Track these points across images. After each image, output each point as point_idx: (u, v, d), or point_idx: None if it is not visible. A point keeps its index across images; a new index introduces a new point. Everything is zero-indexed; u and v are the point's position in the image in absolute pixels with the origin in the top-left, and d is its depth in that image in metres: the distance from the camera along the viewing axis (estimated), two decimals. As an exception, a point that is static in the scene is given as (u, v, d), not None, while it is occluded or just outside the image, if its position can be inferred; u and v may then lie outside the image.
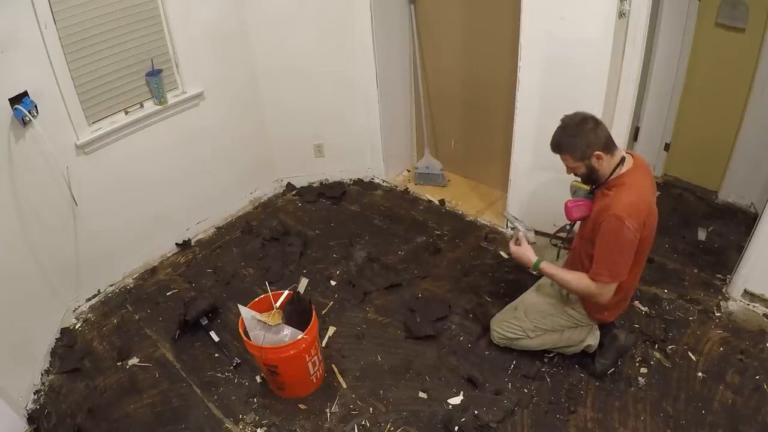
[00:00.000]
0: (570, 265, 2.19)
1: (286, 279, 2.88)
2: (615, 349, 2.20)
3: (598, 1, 2.22)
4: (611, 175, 1.93)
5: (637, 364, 2.28)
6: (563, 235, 2.36)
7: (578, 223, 2.18)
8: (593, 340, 2.21)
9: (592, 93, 2.36)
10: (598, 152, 1.86)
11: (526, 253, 2.12)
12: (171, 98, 2.86)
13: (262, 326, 2.07)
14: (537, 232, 2.30)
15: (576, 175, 2.00)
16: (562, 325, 2.19)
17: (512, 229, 2.31)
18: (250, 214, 3.49)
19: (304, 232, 3.21)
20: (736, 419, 2.04)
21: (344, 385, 2.31)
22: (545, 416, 2.11)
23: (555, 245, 2.39)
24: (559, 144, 1.93)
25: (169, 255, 3.17)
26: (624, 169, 1.92)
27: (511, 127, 2.78)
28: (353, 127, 3.48)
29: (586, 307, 2.14)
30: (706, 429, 2.02)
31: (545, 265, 2.07)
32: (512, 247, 2.17)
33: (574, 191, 2.20)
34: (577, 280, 2.00)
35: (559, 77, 2.46)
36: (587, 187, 2.09)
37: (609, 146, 1.89)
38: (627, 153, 1.97)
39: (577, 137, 1.87)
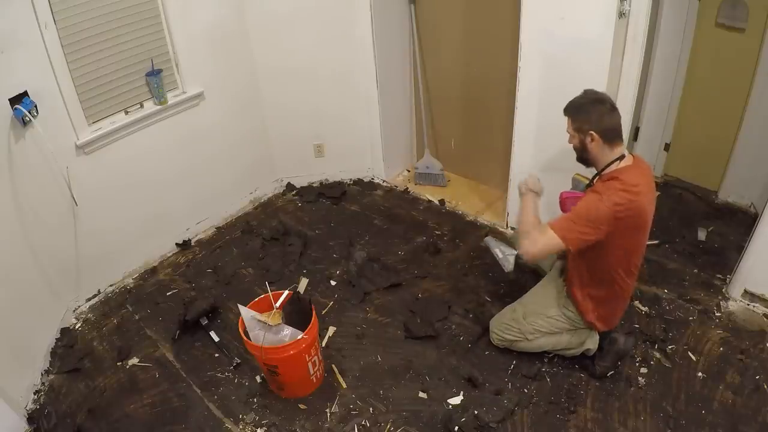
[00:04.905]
0: (570, 264, 2.19)
1: (286, 279, 2.88)
2: (614, 352, 2.20)
3: (598, 1, 2.22)
4: (607, 167, 1.94)
5: (637, 364, 2.28)
6: None
7: None
8: (592, 343, 2.21)
9: (592, 93, 2.36)
10: (592, 132, 1.89)
11: (536, 185, 2.13)
12: (171, 98, 2.86)
13: (262, 326, 2.07)
14: (519, 257, 2.32)
15: (574, 148, 2.01)
16: (560, 328, 2.19)
17: (490, 248, 2.36)
18: (250, 214, 3.49)
19: (304, 232, 3.21)
20: (736, 419, 2.04)
21: (344, 385, 2.31)
22: (545, 416, 2.11)
23: None
24: (568, 105, 1.97)
25: (169, 255, 3.17)
26: (621, 164, 1.93)
27: (511, 127, 2.79)
28: (353, 127, 3.48)
29: (578, 308, 2.13)
30: (706, 429, 2.02)
31: (526, 199, 2.10)
32: (522, 187, 2.16)
33: (575, 184, 2.22)
34: (531, 218, 2.02)
35: (559, 77, 2.46)
36: (587, 180, 2.12)
37: (609, 135, 1.90)
38: (632, 155, 1.97)
39: (584, 108, 1.91)
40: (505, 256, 2.28)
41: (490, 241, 2.44)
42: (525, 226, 2.01)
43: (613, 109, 1.91)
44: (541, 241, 1.90)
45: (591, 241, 1.86)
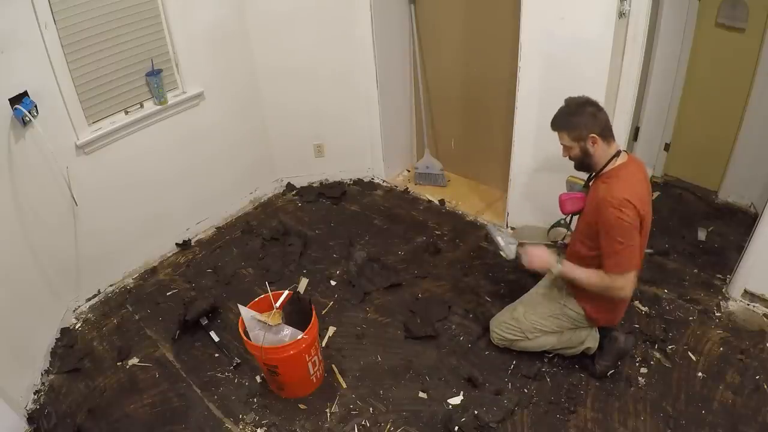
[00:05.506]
0: (570, 262, 2.19)
1: (286, 279, 2.88)
2: (614, 351, 2.20)
3: (598, 1, 2.22)
4: (605, 166, 1.94)
5: (637, 364, 2.28)
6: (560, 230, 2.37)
7: (574, 220, 2.19)
8: (593, 342, 2.21)
9: (592, 93, 2.33)
10: (593, 135, 1.89)
11: (544, 256, 2.07)
12: (171, 98, 2.86)
13: (262, 326, 2.07)
14: (521, 244, 2.31)
15: (570, 158, 2.01)
16: (561, 326, 2.19)
17: (491, 235, 2.35)
18: (250, 214, 3.49)
19: (304, 232, 3.21)
20: (736, 419, 2.04)
21: (344, 385, 2.31)
22: (545, 416, 2.11)
23: (553, 242, 2.40)
24: (557, 120, 1.96)
25: (169, 255, 3.17)
26: (618, 162, 1.94)
27: (511, 127, 2.79)
28: (353, 127, 3.48)
29: (580, 304, 2.13)
30: (706, 429, 2.02)
31: (565, 265, 2.03)
32: (525, 257, 2.12)
33: (570, 186, 2.21)
34: (597, 276, 1.95)
35: (559, 77, 2.46)
36: (582, 182, 2.12)
37: (606, 133, 1.91)
38: (624, 152, 1.98)
39: (576, 116, 1.91)
40: (506, 244, 2.27)
41: (491, 228, 2.43)
42: (597, 286, 1.96)
43: (597, 105, 1.93)
44: (626, 285, 1.90)
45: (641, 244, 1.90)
